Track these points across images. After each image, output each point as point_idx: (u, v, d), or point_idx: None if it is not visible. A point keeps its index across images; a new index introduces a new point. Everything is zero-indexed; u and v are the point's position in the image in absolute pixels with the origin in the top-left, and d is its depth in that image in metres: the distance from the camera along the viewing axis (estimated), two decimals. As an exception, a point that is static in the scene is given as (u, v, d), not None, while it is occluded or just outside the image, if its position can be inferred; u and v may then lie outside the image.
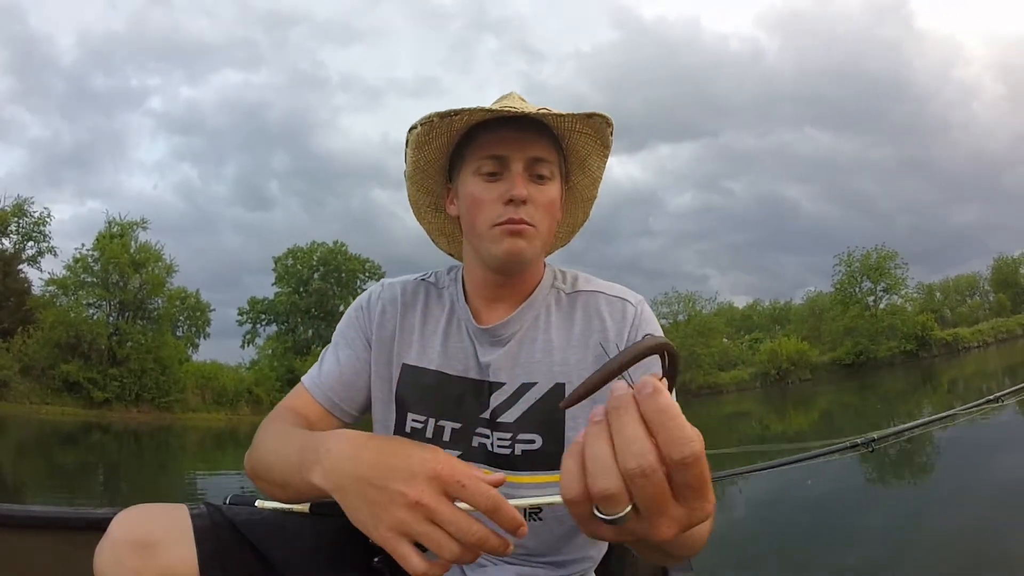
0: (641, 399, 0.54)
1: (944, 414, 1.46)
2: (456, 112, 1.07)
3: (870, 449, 1.27)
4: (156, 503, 0.96)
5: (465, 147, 1.15)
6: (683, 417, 0.54)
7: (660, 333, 1.17)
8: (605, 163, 1.22)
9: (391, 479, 0.72)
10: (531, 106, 1.12)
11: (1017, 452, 7.35)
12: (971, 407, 1.47)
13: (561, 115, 1.10)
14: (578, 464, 0.57)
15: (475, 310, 1.20)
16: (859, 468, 6.98)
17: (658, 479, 0.53)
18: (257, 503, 1.09)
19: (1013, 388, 1.49)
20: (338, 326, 1.28)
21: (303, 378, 1.25)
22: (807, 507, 5.59)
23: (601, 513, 0.56)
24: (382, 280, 1.30)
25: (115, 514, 0.91)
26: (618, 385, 0.56)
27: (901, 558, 4.25)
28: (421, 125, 1.10)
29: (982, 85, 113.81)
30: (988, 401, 1.45)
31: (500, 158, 1.11)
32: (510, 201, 1.09)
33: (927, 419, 1.42)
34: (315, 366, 1.25)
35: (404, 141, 1.14)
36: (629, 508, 0.55)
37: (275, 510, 1.08)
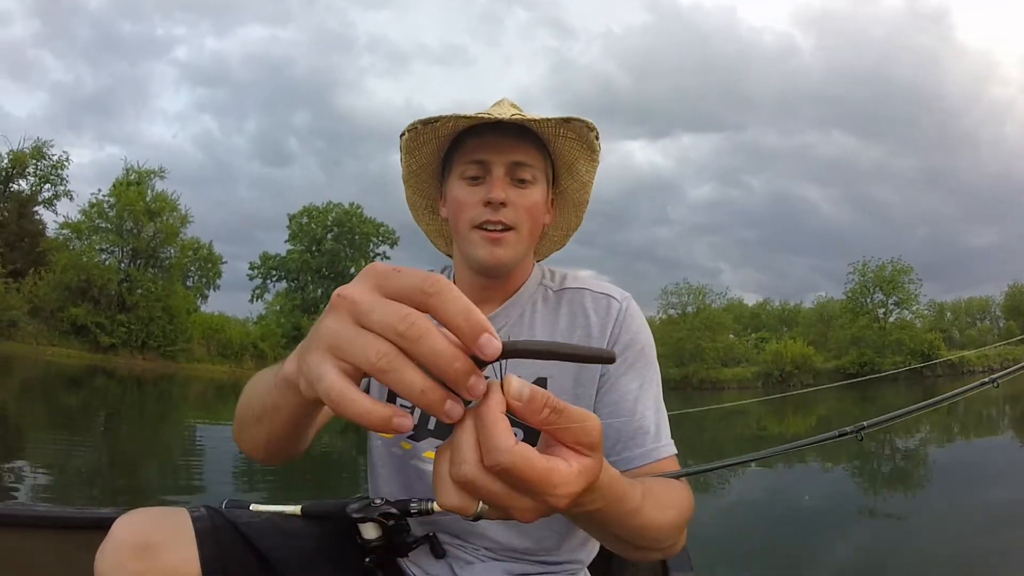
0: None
1: (937, 399, 1.44)
2: (437, 119, 1.10)
3: (859, 438, 1.26)
4: (158, 506, 0.98)
5: (454, 152, 1.17)
6: (502, 422, 0.49)
7: (646, 331, 1.19)
8: (595, 168, 1.23)
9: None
10: (509, 111, 1.14)
11: (1008, 475, 7.35)
12: (966, 390, 1.45)
13: (536, 120, 1.11)
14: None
15: None
16: (854, 476, 7.00)
17: (481, 484, 0.50)
18: (252, 506, 1.11)
19: (1010, 369, 1.47)
20: None
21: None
22: (803, 509, 5.62)
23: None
24: None
25: (117, 514, 0.93)
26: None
27: (890, 564, 4.28)
28: (408, 132, 1.13)
29: (1017, 106, 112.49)
30: (983, 384, 1.43)
31: (482, 162, 1.13)
32: (488, 203, 1.11)
33: (918, 404, 1.40)
34: None
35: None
36: (479, 507, 0.53)
37: (271, 513, 1.11)
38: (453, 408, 0.49)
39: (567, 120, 1.11)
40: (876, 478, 7.31)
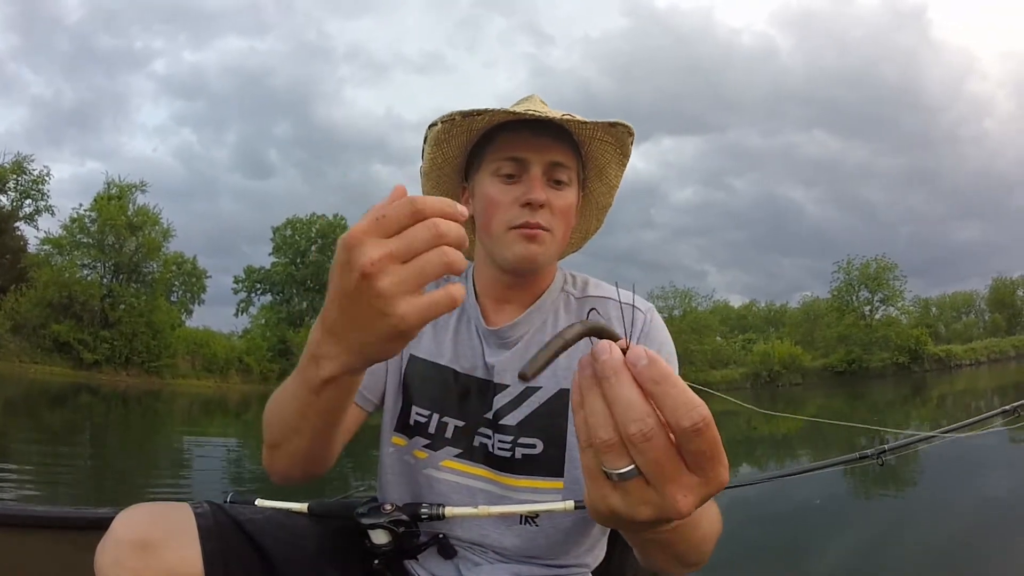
0: (639, 370, 0.49)
1: (958, 424, 1.41)
2: (479, 112, 1.07)
3: (880, 462, 1.22)
4: (159, 502, 0.95)
5: (484, 147, 1.14)
6: (684, 383, 0.50)
7: (670, 342, 1.20)
8: (623, 172, 1.22)
9: (338, 262, 0.65)
10: (554, 111, 1.11)
11: (1000, 472, 7.37)
12: (986, 417, 1.41)
13: (584, 122, 1.08)
14: (581, 418, 0.51)
15: (484, 310, 1.21)
16: (848, 479, 6.98)
17: (662, 443, 0.48)
18: (257, 502, 1.10)
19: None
20: None
21: None
22: (800, 508, 5.60)
23: (607, 468, 0.51)
24: None
25: (116, 513, 0.91)
26: (602, 347, 0.51)
27: (888, 563, 4.26)
28: (442, 122, 1.10)
29: (996, 102, 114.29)
30: (1003, 412, 1.39)
31: (519, 160, 1.10)
32: (527, 204, 1.08)
33: (940, 430, 1.36)
34: None
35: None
36: (632, 466, 0.50)
37: (275, 509, 1.10)
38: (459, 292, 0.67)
39: (612, 124, 1.10)
40: (868, 474, 7.30)
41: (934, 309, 56.12)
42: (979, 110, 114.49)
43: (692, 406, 0.48)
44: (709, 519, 0.87)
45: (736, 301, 64.28)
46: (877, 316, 45.37)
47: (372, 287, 0.62)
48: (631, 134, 1.12)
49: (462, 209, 0.64)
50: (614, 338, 0.53)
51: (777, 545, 4.83)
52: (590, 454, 0.51)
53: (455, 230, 0.63)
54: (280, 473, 0.96)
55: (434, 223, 0.62)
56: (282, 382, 1.13)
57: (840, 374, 41.85)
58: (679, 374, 1.10)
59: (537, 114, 1.05)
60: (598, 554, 1.22)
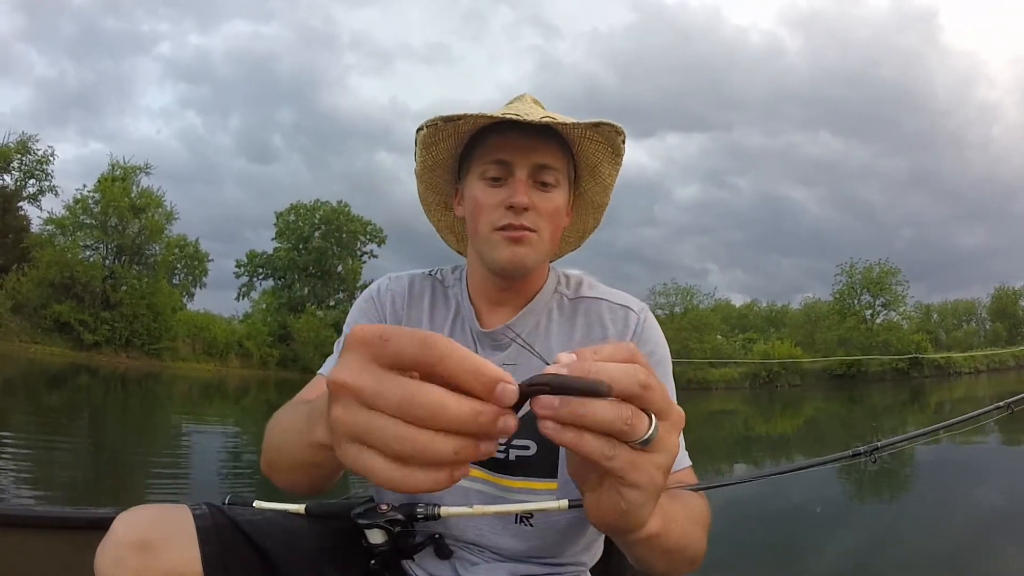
0: (581, 360, 0.52)
1: (951, 421, 1.40)
2: (460, 117, 1.06)
3: (872, 460, 1.22)
4: (158, 503, 0.96)
5: (473, 149, 1.14)
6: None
7: (664, 343, 1.20)
8: (617, 170, 1.21)
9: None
10: (538, 111, 1.11)
11: (996, 476, 7.38)
12: (980, 414, 1.41)
13: (566, 123, 1.07)
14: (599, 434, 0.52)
15: (478, 311, 1.21)
16: (843, 480, 6.99)
17: (655, 381, 0.53)
18: (255, 503, 1.10)
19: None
20: (348, 318, 1.29)
21: (320, 371, 1.23)
22: (794, 515, 5.60)
23: (636, 439, 0.52)
24: (388, 274, 1.31)
25: (117, 514, 0.92)
26: (543, 401, 0.51)
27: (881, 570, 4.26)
28: (427, 127, 1.10)
29: (1004, 109, 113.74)
30: (997, 408, 1.39)
31: (504, 163, 1.10)
32: (511, 207, 1.09)
33: (933, 427, 1.36)
34: (331, 358, 1.24)
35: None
36: (655, 422, 0.53)
37: (273, 511, 1.10)
38: (490, 446, 0.48)
39: (596, 124, 1.08)
40: (864, 475, 7.32)
41: (935, 315, 56.15)
42: (987, 116, 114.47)
43: (622, 346, 0.54)
44: (696, 521, 0.91)
45: (737, 300, 64.33)
46: (878, 320, 45.45)
47: (330, 406, 0.50)
48: (619, 133, 1.11)
49: (503, 386, 0.47)
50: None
51: (773, 544, 4.85)
52: (619, 452, 0.53)
53: (462, 415, 0.46)
54: (279, 486, 0.97)
55: (432, 399, 0.46)
56: (292, 398, 1.13)
57: (839, 377, 41.84)
58: (673, 374, 1.11)
59: (517, 117, 1.04)
60: (595, 552, 1.23)
